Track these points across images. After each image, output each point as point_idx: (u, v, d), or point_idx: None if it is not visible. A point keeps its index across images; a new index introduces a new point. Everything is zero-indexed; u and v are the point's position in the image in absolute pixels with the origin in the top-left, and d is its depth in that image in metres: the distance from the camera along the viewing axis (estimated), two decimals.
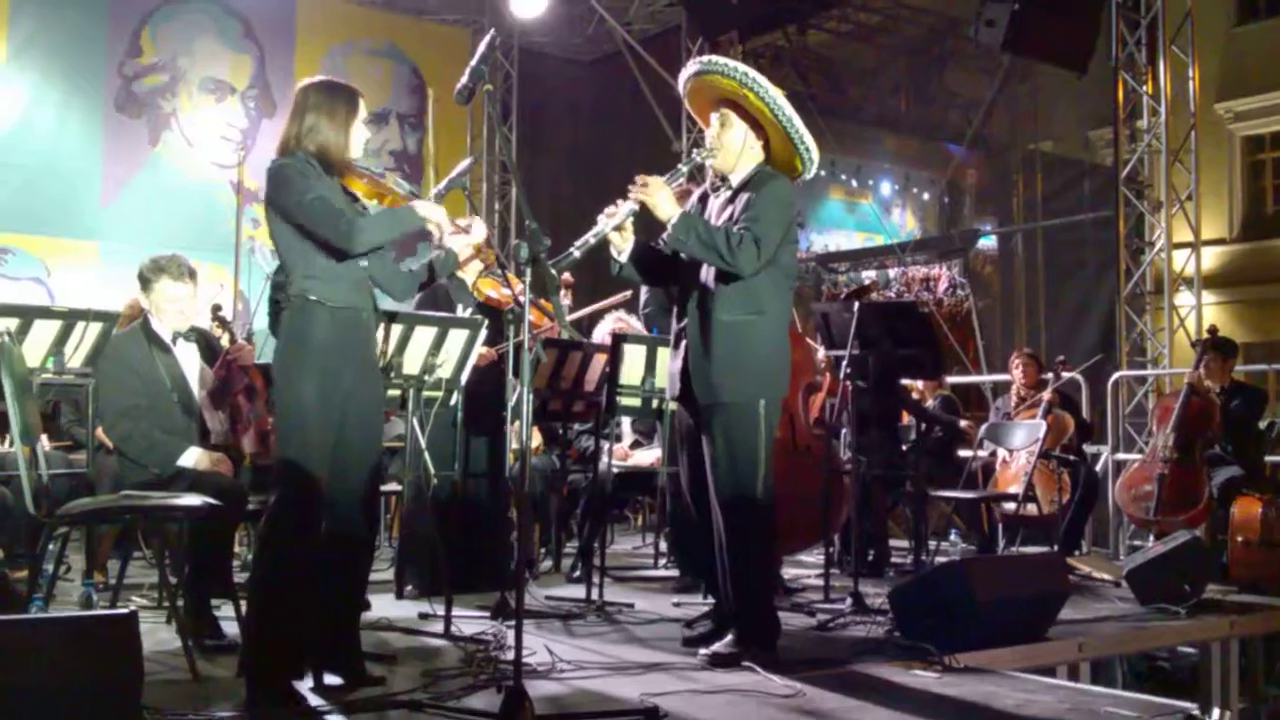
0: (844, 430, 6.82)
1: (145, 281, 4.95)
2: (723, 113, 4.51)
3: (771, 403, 4.41)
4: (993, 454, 7.62)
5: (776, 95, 4.37)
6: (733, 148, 4.49)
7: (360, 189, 3.92)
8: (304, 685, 3.76)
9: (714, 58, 4.49)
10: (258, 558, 3.80)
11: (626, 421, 7.04)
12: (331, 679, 3.84)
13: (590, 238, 4.26)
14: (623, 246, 4.42)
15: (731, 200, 4.50)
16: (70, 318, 4.78)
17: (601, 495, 6.21)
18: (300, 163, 3.77)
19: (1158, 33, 8.95)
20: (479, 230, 4.20)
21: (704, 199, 4.72)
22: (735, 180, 4.52)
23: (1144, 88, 9.04)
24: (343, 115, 3.85)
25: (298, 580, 3.68)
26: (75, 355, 4.83)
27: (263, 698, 3.62)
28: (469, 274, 4.56)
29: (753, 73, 4.39)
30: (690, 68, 4.54)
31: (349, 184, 3.91)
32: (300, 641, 3.74)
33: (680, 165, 4.58)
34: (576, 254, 4.17)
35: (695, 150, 4.63)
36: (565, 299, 6.26)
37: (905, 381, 7.46)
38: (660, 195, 4.31)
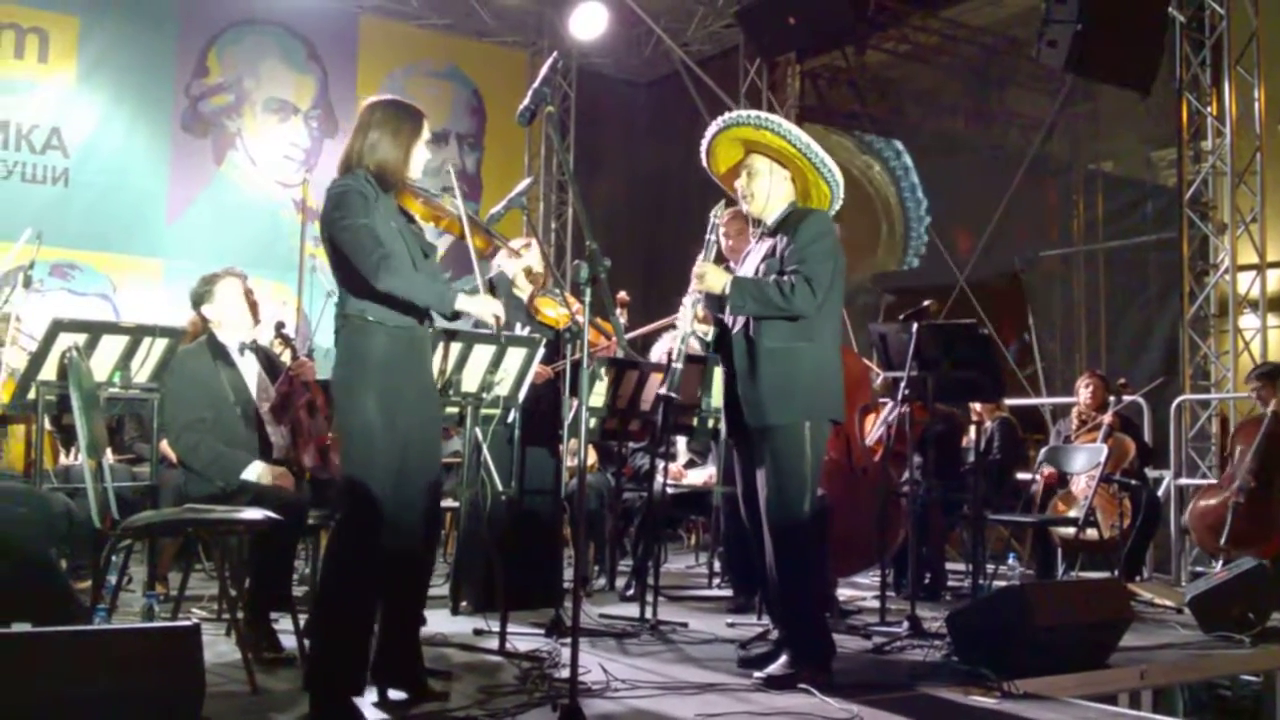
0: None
1: (202, 296, 5.06)
2: (745, 164, 4.65)
3: (816, 425, 4.45)
4: (1051, 476, 7.53)
5: (792, 128, 4.52)
6: (761, 192, 4.62)
7: (416, 209, 3.95)
8: (367, 700, 3.78)
9: (729, 114, 4.66)
10: (323, 573, 3.83)
11: (682, 441, 7.04)
12: (396, 694, 3.87)
13: (681, 345, 4.63)
14: (706, 328, 4.76)
15: (771, 236, 4.63)
16: (137, 333, 4.85)
17: (656, 514, 6.21)
18: (360, 183, 3.78)
19: (1222, 53, 8.82)
20: (531, 254, 4.24)
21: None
22: (770, 221, 4.65)
23: (1208, 109, 8.92)
24: (406, 134, 3.86)
25: (362, 596, 3.72)
26: (141, 370, 4.91)
27: (322, 712, 3.65)
28: (524, 292, 4.61)
29: (764, 113, 4.58)
30: (711, 130, 4.67)
31: (406, 203, 3.93)
32: (362, 657, 3.77)
33: (708, 235, 4.74)
34: (678, 364, 4.61)
35: (712, 213, 4.80)
36: (620, 318, 6.29)
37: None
38: (709, 278, 4.53)
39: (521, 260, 4.21)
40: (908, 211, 13.07)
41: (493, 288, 4.23)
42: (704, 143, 4.72)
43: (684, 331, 4.64)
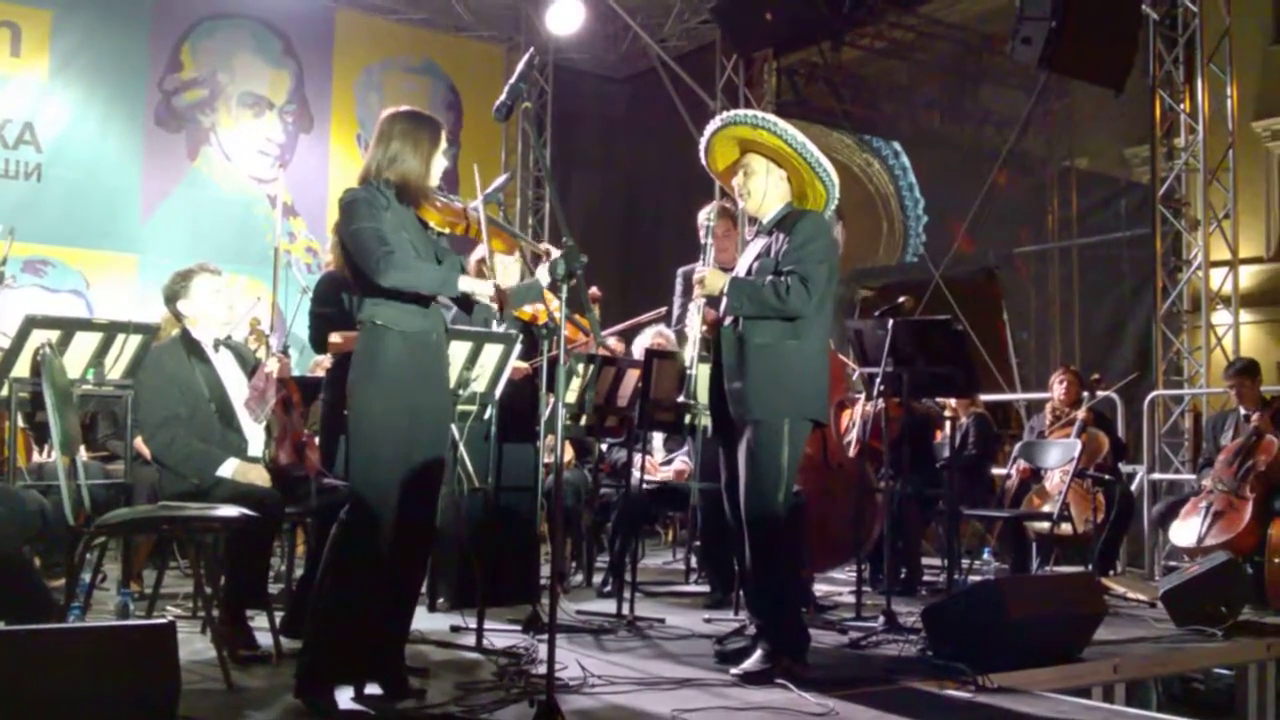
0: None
1: (177, 293, 5.01)
2: (743, 163, 4.70)
3: (796, 422, 4.50)
4: (1025, 471, 7.57)
5: (788, 128, 4.56)
6: (758, 190, 4.67)
7: (433, 218, 3.95)
8: (345, 694, 3.78)
9: (726, 113, 4.73)
10: (324, 568, 3.83)
11: (659, 436, 7.05)
12: (372, 689, 3.87)
13: (693, 349, 4.72)
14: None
15: (767, 235, 4.68)
16: (111, 330, 4.83)
17: (633, 510, 6.21)
18: (370, 192, 3.81)
19: (1195, 51, 8.88)
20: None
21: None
22: (767, 220, 4.71)
23: (1181, 105, 8.98)
24: (426, 146, 3.90)
25: (361, 593, 3.73)
26: (115, 367, 4.88)
27: (305, 701, 3.68)
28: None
29: (761, 113, 4.64)
30: (710, 129, 4.72)
31: (423, 213, 3.94)
32: (355, 653, 3.78)
33: (704, 240, 4.86)
34: (692, 371, 4.70)
35: (704, 216, 4.93)
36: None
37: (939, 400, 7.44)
38: (709, 282, 4.62)
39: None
40: (906, 210, 13.15)
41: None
42: (703, 141, 4.78)
43: (695, 336, 4.68)
